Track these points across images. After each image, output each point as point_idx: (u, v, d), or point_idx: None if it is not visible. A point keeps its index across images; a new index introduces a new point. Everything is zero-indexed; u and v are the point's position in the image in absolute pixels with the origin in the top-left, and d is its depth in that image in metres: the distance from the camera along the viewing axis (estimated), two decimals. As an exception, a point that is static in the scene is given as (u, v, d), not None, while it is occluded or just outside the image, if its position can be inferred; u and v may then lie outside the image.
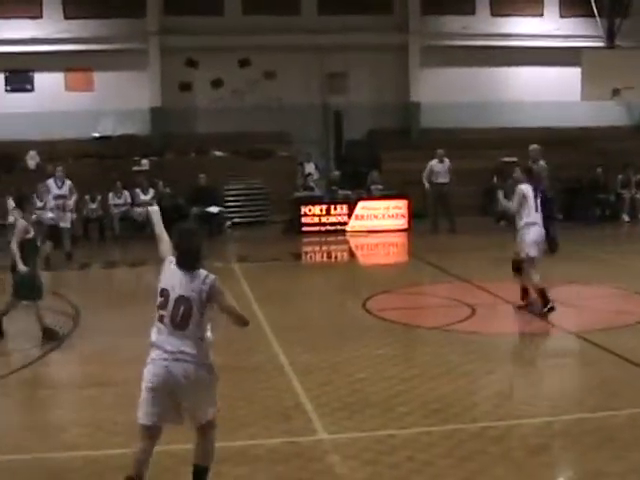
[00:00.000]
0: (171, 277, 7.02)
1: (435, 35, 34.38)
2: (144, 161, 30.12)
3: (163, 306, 6.94)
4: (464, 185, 27.58)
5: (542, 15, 35.39)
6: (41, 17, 33.20)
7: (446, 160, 26.81)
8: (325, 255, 24.81)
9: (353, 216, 26.94)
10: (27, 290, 13.42)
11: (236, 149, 31.20)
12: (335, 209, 26.94)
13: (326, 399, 9.65)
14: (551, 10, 35.38)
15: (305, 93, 34.09)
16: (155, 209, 8.31)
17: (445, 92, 34.26)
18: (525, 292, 14.71)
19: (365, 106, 34.32)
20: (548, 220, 16.26)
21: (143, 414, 7.04)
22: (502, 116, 34.20)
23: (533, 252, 14.34)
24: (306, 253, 24.77)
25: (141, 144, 32.21)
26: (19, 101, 33.07)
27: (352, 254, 24.30)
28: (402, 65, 34.71)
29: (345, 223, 26.83)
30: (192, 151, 31.55)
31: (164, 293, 6.96)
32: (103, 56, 32.85)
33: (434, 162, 26.83)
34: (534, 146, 21.74)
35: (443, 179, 26.64)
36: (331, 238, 25.67)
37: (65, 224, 23.32)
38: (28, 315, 15.47)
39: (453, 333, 13.02)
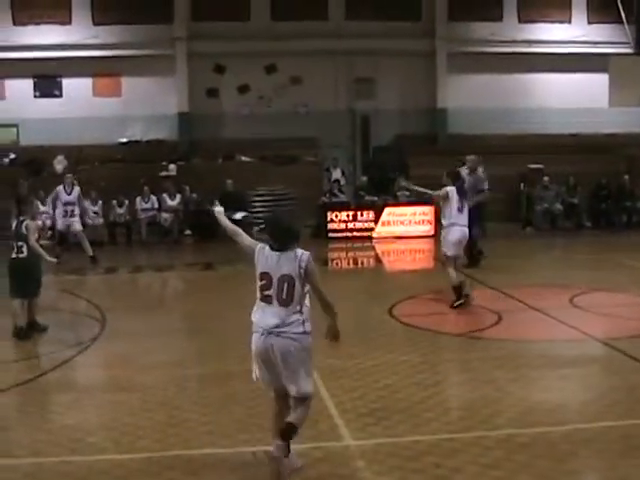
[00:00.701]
0: (269, 260, 7.62)
1: (462, 41, 34.32)
2: (171, 166, 30.21)
3: (267, 287, 7.60)
4: (492, 191, 27.48)
5: (570, 21, 35.26)
6: (70, 23, 33.40)
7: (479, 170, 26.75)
8: (351, 261, 24.82)
9: (380, 222, 26.95)
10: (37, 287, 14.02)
11: (263, 155, 31.26)
12: (362, 215, 26.96)
13: (352, 405, 9.65)
14: (579, 16, 35.24)
15: (332, 99, 34.11)
16: (219, 209, 8.58)
17: (472, 98, 34.22)
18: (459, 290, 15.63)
19: (392, 112, 34.31)
20: (472, 229, 16.76)
21: (257, 375, 7.84)
22: (529, 123, 34.09)
23: (451, 251, 15.64)
24: (332, 259, 24.75)
25: (168, 149, 32.34)
26: (48, 106, 33.28)
27: (378, 260, 24.27)
28: (429, 71, 34.65)
29: (372, 229, 26.84)
30: (219, 156, 31.62)
31: (265, 276, 7.61)
32: (131, 62, 33.02)
33: (463, 170, 26.78)
34: (471, 157, 21.94)
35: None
36: (357, 244, 25.69)
37: (75, 229, 23.58)
38: (54, 319, 15.60)
39: (479, 340, 12.99)
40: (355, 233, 26.68)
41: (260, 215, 28.63)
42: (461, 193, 15.82)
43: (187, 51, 33.48)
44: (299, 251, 7.63)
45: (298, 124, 33.06)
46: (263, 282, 7.64)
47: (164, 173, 29.86)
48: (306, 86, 33.93)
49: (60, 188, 24.11)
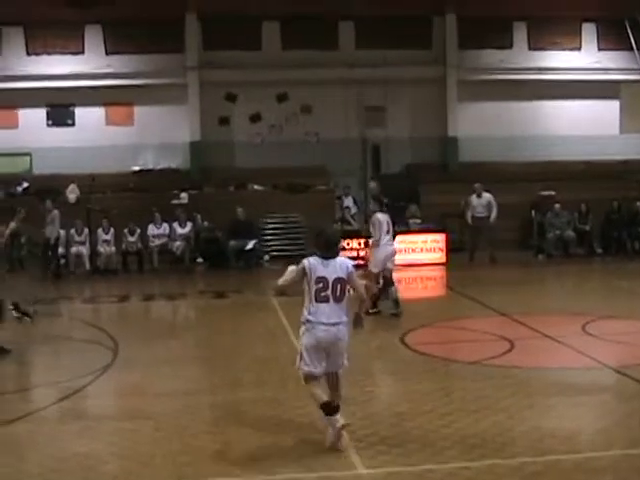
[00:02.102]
0: (323, 267, 9.31)
1: (473, 69, 34.49)
2: (183, 194, 30.29)
3: (325, 289, 9.25)
4: (502, 219, 27.49)
5: (580, 49, 35.44)
6: (83, 53, 33.71)
7: (485, 194, 26.86)
8: (394, 293, 24.72)
9: (391, 250, 26.91)
10: None
11: (274, 183, 31.34)
12: (373, 243, 26.93)
13: (364, 433, 9.62)
14: (589, 43, 35.40)
15: (343, 127, 34.24)
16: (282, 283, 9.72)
17: (483, 126, 34.34)
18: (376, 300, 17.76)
19: (403, 140, 34.47)
20: None
21: (311, 367, 9.28)
22: (540, 150, 34.16)
23: (377, 269, 17.80)
24: (345, 287, 24.71)
25: (180, 178, 32.48)
26: (61, 135, 33.53)
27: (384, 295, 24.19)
28: (440, 99, 34.79)
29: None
30: (231, 185, 31.71)
31: (322, 279, 9.25)
32: (143, 91, 33.27)
33: (473, 197, 26.93)
34: (372, 184, 24.58)
35: (481, 213, 26.71)
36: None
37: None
38: (67, 347, 15.64)
39: (492, 367, 12.94)
40: (360, 262, 26.63)
41: (271, 243, 28.75)
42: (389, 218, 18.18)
43: (199, 80, 33.69)
44: (342, 258, 9.55)
45: (309, 152, 33.20)
46: (320, 285, 9.25)
47: (176, 201, 29.94)
48: (317, 115, 34.08)
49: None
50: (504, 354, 13.82)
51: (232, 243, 27.52)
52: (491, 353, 13.86)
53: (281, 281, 9.61)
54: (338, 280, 9.28)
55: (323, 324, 9.20)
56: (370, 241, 18.37)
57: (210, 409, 11.18)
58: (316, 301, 9.27)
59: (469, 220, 27.03)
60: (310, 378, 9.35)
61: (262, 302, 19.84)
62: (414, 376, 12.43)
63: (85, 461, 9.08)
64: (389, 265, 18.15)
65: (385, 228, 17.80)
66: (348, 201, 30.17)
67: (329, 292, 9.25)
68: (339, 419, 9.12)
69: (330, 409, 9.17)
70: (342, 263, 9.43)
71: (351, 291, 9.53)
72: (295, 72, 32.86)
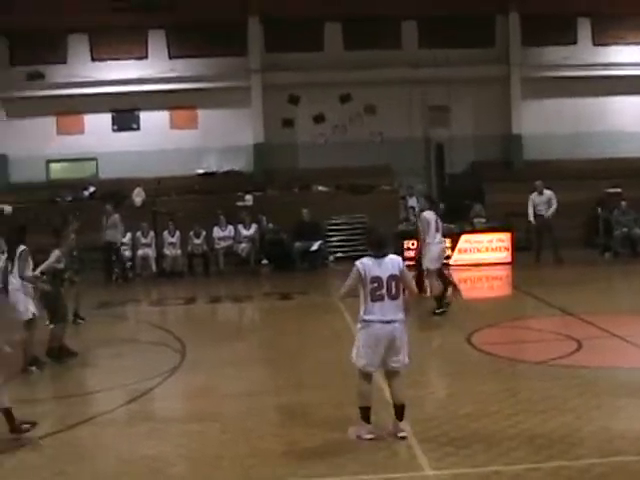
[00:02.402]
0: (376, 266, 9.55)
1: (537, 66, 34.16)
2: (247, 197, 30.42)
3: (380, 287, 9.48)
4: (567, 217, 27.23)
5: (645, 43, 34.92)
6: (147, 57, 34.00)
7: (546, 192, 26.60)
8: (428, 289, 24.63)
9: (456, 249, 26.78)
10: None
11: (338, 184, 31.35)
12: (438, 242, 26.78)
13: (431, 434, 9.59)
14: (655, 37, 34.89)
15: (407, 127, 34.13)
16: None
17: (547, 123, 34.01)
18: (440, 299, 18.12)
19: (467, 139, 34.25)
20: None
21: (367, 363, 9.60)
22: (605, 146, 33.71)
23: (434, 265, 18.22)
24: (409, 287, 24.65)
25: (244, 180, 32.59)
26: (126, 140, 33.83)
27: (456, 288, 24.06)
28: (504, 97, 34.50)
29: (448, 256, 26.62)
30: (295, 186, 31.77)
31: (377, 279, 9.48)
32: (207, 94, 33.47)
33: (534, 194, 26.69)
34: (420, 186, 26.46)
35: (542, 211, 26.48)
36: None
37: None
38: (134, 349, 15.79)
39: (559, 367, 12.82)
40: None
41: (336, 244, 28.76)
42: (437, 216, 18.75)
43: (262, 82, 33.75)
44: (392, 256, 9.74)
45: (373, 153, 33.15)
46: (375, 284, 9.48)
47: (240, 203, 30.07)
48: (381, 115, 34.03)
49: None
50: (571, 354, 13.68)
51: (297, 244, 27.60)
52: (558, 353, 13.73)
53: (343, 291, 9.86)
54: (392, 278, 9.52)
55: (379, 322, 9.46)
56: (420, 240, 18.95)
57: (276, 411, 11.23)
58: (372, 300, 9.51)
59: (531, 218, 26.75)
60: (364, 374, 9.67)
61: (327, 303, 19.85)
62: (480, 376, 12.37)
63: (153, 463, 9.16)
64: (438, 264, 18.60)
65: (434, 226, 18.38)
66: (412, 201, 30.00)
67: (384, 291, 9.48)
68: (369, 431, 9.53)
69: (366, 415, 9.61)
70: (394, 261, 9.67)
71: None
72: (358, 72, 32.83)
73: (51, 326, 14.68)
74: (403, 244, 26.56)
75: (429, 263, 18.25)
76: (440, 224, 18.67)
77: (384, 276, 9.49)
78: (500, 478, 8.21)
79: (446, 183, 33.93)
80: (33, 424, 10.11)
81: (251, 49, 33.96)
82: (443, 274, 18.88)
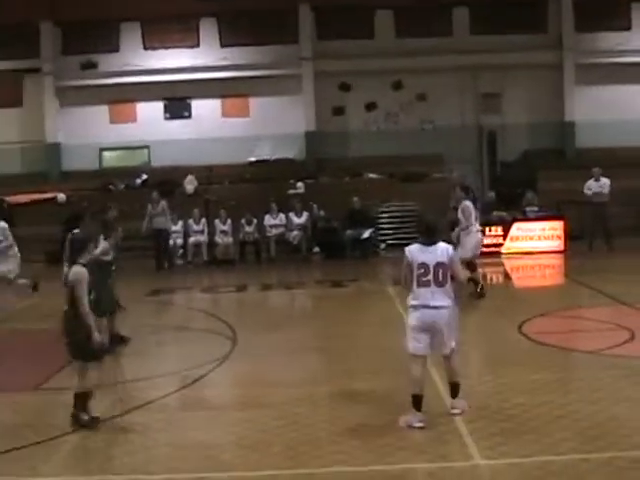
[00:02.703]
0: (424, 253, 9.74)
1: (590, 52, 33.85)
2: (299, 184, 30.49)
3: (426, 273, 9.66)
4: (623, 205, 26.99)
5: (703, 27, 34.44)
6: (198, 46, 34.20)
7: (603, 179, 26.35)
8: (480, 277, 24.51)
9: (508, 237, 26.65)
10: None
11: (390, 172, 31.30)
12: (490, 230, 26.62)
13: (482, 424, 9.57)
14: None
15: (458, 114, 34.03)
16: None
17: (601, 110, 33.67)
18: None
19: (519, 126, 34.05)
20: None
21: (415, 347, 9.76)
22: (661, 134, 33.32)
23: (469, 255, 18.23)
24: (460, 275, 24.56)
25: (296, 168, 32.67)
26: (178, 128, 34.09)
27: (507, 276, 23.96)
28: (556, 84, 34.24)
29: (500, 245, 26.53)
30: (346, 174, 31.79)
31: (423, 265, 9.66)
32: (258, 82, 33.60)
33: (590, 181, 26.44)
34: (455, 173, 26.08)
35: (599, 198, 26.20)
36: (486, 260, 25.32)
37: None
38: (187, 337, 15.90)
39: (611, 357, 12.71)
40: (483, 249, 26.28)
41: (387, 232, 28.74)
42: (475, 204, 19.03)
43: (313, 70, 33.82)
44: (442, 244, 9.87)
45: (424, 140, 33.10)
46: (421, 271, 9.67)
47: (292, 191, 30.16)
48: (432, 102, 33.93)
49: None
50: (624, 344, 13.55)
51: (348, 232, 27.60)
52: (611, 343, 13.61)
53: (402, 281, 10.10)
54: (439, 265, 9.67)
55: (424, 307, 9.67)
56: (457, 229, 18.75)
57: (327, 398, 11.24)
58: (418, 286, 9.72)
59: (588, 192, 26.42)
60: (414, 358, 9.83)
61: (378, 291, 19.86)
62: (532, 366, 12.30)
63: (205, 450, 9.23)
64: (477, 252, 18.97)
65: (474, 215, 18.65)
66: (464, 189, 29.89)
67: (430, 277, 9.66)
68: (419, 420, 9.58)
69: (418, 403, 9.68)
70: (443, 248, 9.80)
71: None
72: (409, 60, 32.79)
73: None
74: (454, 232, 26.46)
75: (464, 252, 17.89)
76: (477, 214, 18.97)
77: (431, 263, 9.65)
78: (552, 468, 8.18)
79: (498, 171, 33.76)
80: (96, 420, 10.19)
81: (302, 37, 34.02)
82: (474, 265, 18.80)
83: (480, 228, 19.11)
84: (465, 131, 33.91)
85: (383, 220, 29.45)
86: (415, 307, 9.76)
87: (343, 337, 15.37)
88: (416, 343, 9.75)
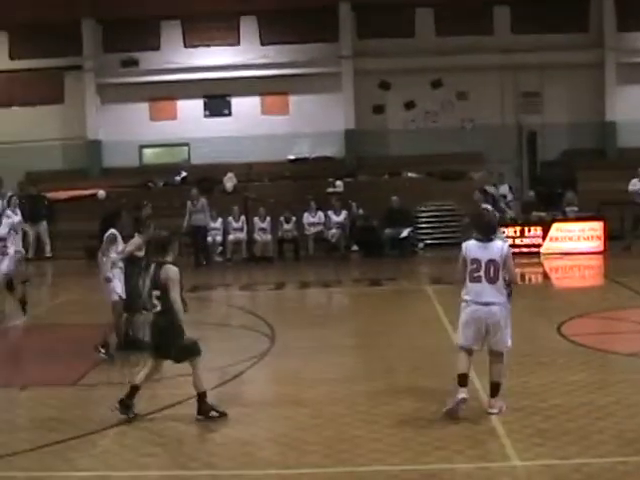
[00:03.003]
0: (477, 250, 9.97)
1: (632, 51, 33.61)
2: (338, 183, 30.50)
3: (478, 270, 9.88)
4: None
5: None
6: (238, 44, 34.32)
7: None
8: (519, 277, 24.33)
9: (547, 238, 26.50)
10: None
11: (429, 171, 31.25)
12: (529, 231, 26.52)
13: (519, 425, 9.54)
14: None
15: (498, 113, 33.88)
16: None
17: (641, 110, 33.38)
18: None
19: (560, 125, 33.83)
20: None
21: (463, 340, 10.05)
22: None
23: None
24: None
25: (335, 166, 32.69)
26: (217, 125, 34.21)
27: (546, 277, 23.83)
28: (598, 83, 34.00)
29: (539, 245, 26.39)
30: (385, 173, 31.76)
31: (476, 261, 9.90)
32: (298, 80, 33.62)
33: (634, 181, 26.24)
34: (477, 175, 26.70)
35: (641, 199, 26.05)
36: (525, 260, 25.19)
37: None
38: (225, 334, 15.96)
39: (651, 360, 12.66)
40: (522, 249, 26.18)
41: (426, 231, 28.69)
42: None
43: (353, 68, 33.81)
44: (499, 241, 10.17)
45: (464, 139, 33.01)
46: (474, 266, 9.90)
47: (331, 189, 30.17)
48: (472, 101, 33.85)
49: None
50: (665, 346, 13.48)
51: (387, 231, 27.59)
52: (651, 345, 13.54)
53: (457, 274, 10.24)
54: (491, 262, 9.87)
55: (475, 303, 9.90)
56: None
57: (365, 397, 11.25)
58: (470, 281, 9.95)
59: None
60: (460, 349, 10.10)
61: (416, 290, 19.86)
62: (570, 367, 12.26)
63: (242, 446, 9.28)
64: None
65: None
66: (503, 188, 29.78)
67: (482, 273, 9.87)
68: (463, 392, 9.81)
69: (463, 380, 9.91)
70: (499, 246, 10.03)
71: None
72: (449, 58, 32.69)
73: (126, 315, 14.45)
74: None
75: None
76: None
77: (483, 259, 9.88)
78: (589, 470, 8.14)
79: (538, 171, 33.59)
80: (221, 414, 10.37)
81: (342, 35, 34.02)
82: None
83: None
84: (505, 130, 33.76)
85: (422, 219, 29.40)
86: (467, 302, 10.00)
87: (381, 336, 15.38)
88: (464, 336, 10.03)
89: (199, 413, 10.26)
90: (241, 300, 21.03)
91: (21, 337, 17.02)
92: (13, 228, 18.74)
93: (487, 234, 10.09)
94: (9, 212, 20.23)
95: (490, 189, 23.68)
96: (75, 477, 8.59)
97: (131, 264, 14.31)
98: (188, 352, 10.27)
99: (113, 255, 13.95)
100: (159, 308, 10.29)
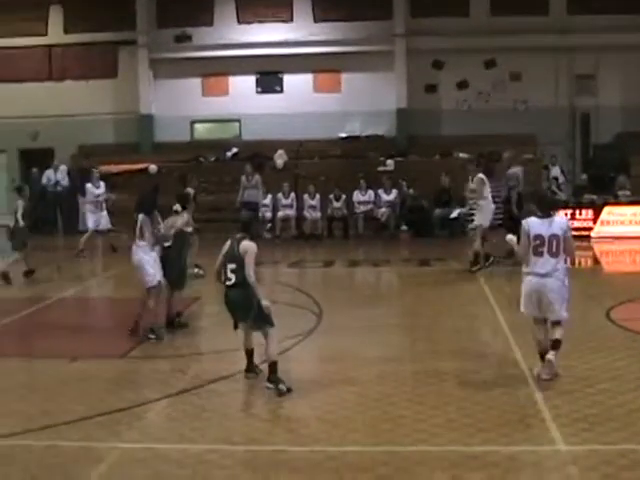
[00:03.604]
0: (540, 225, 10.59)
1: (692, 33, 33.04)
2: (389, 161, 30.39)
3: (542, 244, 10.50)
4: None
5: None
6: (292, 21, 34.22)
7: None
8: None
9: (598, 221, 26.27)
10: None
11: (480, 151, 31.00)
12: (580, 214, 26.31)
13: (566, 409, 9.49)
14: None
15: (552, 95, 33.53)
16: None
17: (699, 92, 32.90)
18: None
19: (614, 108, 33.38)
20: None
21: (526, 310, 10.83)
22: None
23: (486, 223, 20.10)
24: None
25: (386, 145, 32.57)
26: (269, 102, 34.20)
27: (596, 261, 23.62)
28: (654, 65, 33.52)
29: (590, 228, 26.17)
30: (436, 153, 31.60)
31: (539, 237, 10.51)
32: (350, 58, 33.50)
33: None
34: (463, 155, 26.54)
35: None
36: (576, 243, 24.93)
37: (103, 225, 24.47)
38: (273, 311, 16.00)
39: (702, 346, 12.52)
40: (573, 232, 25.87)
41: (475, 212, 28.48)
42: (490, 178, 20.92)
43: (406, 47, 33.61)
44: (558, 217, 10.84)
45: (516, 120, 32.71)
46: (537, 242, 10.50)
47: (381, 168, 30.09)
48: (525, 82, 33.54)
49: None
50: None
51: (437, 211, 27.49)
52: (702, 331, 13.38)
53: (520, 250, 10.81)
54: (554, 237, 10.52)
55: (535, 275, 10.58)
56: (473, 200, 20.64)
57: (411, 377, 11.26)
58: (533, 255, 10.56)
59: None
60: (535, 320, 10.85)
61: (465, 271, 19.75)
62: (619, 352, 12.15)
63: (287, 423, 9.35)
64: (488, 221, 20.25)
65: (488, 186, 20.27)
66: (555, 171, 29.54)
67: (545, 248, 10.50)
68: (550, 355, 10.50)
69: (555, 346, 10.57)
70: (559, 222, 10.73)
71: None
72: (504, 38, 32.36)
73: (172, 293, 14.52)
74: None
75: (483, 220, 19.93)
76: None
77: (546, 235, 10.50)
78: (635, 457, 8.09)
79: (591, 154, 33.25)
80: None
81: (396, 13, 33.81)
82: (485, 236, 20.06)
83: (491, 200, 20.44)
84: (558, 112, 33.41)
85: (472, 200, 29.15)
86: (527, 274, 10.67)
87: (428, 316, 15.37)
88: (527, 307, 10.77)
89: (269, 380, 10.52)
90: (289, 277, 21.07)
91: (71, 309, 17.21)
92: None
93: (547, 210, 10.69)
94: (88, 186, 24.53)
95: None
96: (120, 449, 8.68)
97: (179, 239, 14.34)
98: (264, 320, 10.79)
99: (147, 237, 13.61)
100: (233, 281, 10.84)
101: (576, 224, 25.95)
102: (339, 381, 10.98)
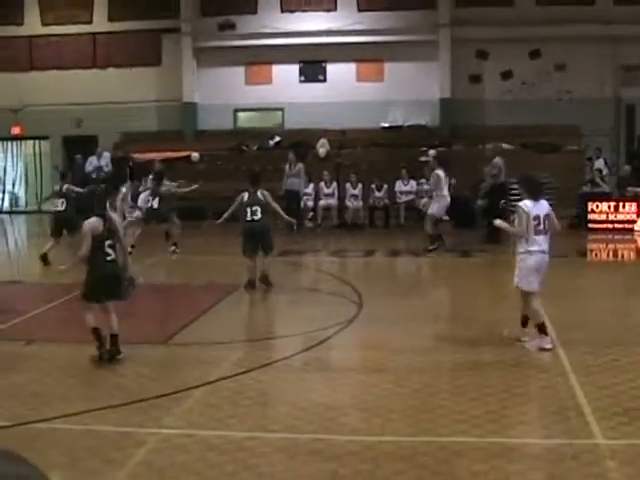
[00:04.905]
0: (537, 207, 11.69)
1: None
2: (431, 152, 30.24)
3: (540, 224, 11.61)
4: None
5: None
6: (335, 9, 34.18)
7: None
8: (611, 253, 24.08)
9: (642, 214, 26.05)
10: None
11: (524, 142, 30.86)
12: (624, 207, 26.08)
13: (605, 403, 9.44)
14: None
15: (597, 86, 33.22)
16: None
17: None
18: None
19: (660, 100, 33.11)
20: None
21: (531, 286, 11.78)
22: None
23: (439, 214, 22.49)
24: (592, 250, 24.23)
25: (429, 135, 32.47)
26: (312, 91, 34.19)
27: (639, 253, 23.44)
28: (703, 56, 33.14)
29: (634, 221, 25.92)
30: (479, 143, 31.44)
31: (537, 217, 11.60)
32: (394, 47, 33.43)
33: None
34: (432, 151, 26.39)
35: None
36: (618, 236, 24.86)
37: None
38: (313, 299, 16.05)
39: None
40: (616, 225, 25.79)
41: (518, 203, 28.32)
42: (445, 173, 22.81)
43: (450, 37, 33.48)
44: (543, 200, 11.89)
45: (561, 111, 32.47)
46: (536, 222, 11.59)
47: (424, 158, 29.96)
48: (570, 72, 33.27)
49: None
50: None
51: (479, 202, 27.35)
52: None
53: (518, 228, 11.79)
54: (546, 216, 11.71)
55: (541, 252, 11.71)
56: (433, 194, 22.87)
57: (450, 368, 11.27)
58: (535, 234, 11.62)
59: None
60: (533, 294, 11.81)
61: (507, 262, 19.64)
62: (661, 346, 12.08)
63: (326, 412, 9.35)
64: (443, 213, 22.63)
65: (444, 182, 22.31)
66: (599, 163, 29.32)
67: (542, 227, 11.65)
68: (546, 341, 11.59)
69: (543, 329, 11.70)
70: (544, 204, 11.88)
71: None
72: (549, 28, 32.13)
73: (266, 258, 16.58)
74: (587, 205, 26.08)
75: (436, 210, 22.14)
76: (448, 180, 22.85)
77: (542, 215, 11.66)
78: (676, 452, 8.05)
79: (635, 146, 32.98)
80: None
81: (441, 3, 33.66)
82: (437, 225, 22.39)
83: (448, 194, 22.59)
84: (603, 103, 33.13)
85: (515, 191, 29.04)
86: (531, 252, 11.67)
87: (468, 307, 15.37)
88: (533, 282, 11.77)
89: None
90: (330, 266, 21.11)
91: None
92: None
93: (538, 193, 11.88)
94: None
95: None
96: (160, 434, 8.75)
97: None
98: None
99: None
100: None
101: (619, 217, 25.82)
102: (379, 370, 11.02)
